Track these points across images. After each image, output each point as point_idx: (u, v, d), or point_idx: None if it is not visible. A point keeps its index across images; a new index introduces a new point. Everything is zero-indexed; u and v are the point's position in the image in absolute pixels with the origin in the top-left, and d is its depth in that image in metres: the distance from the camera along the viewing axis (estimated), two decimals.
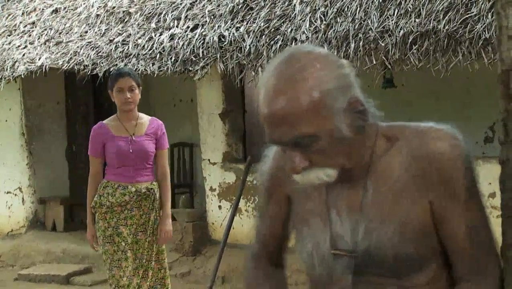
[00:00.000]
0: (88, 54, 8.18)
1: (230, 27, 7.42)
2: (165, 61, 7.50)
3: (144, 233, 5.29)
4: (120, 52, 7.95)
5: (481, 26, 5.85)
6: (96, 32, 8.53)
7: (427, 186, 1.73)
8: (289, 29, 6.98)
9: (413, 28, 6.21)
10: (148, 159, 5.31)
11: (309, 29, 6.84)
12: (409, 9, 6.41)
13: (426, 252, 1.75)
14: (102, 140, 5.30)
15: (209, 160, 8.26)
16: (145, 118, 5.41)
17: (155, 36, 7.88)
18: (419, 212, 1.74)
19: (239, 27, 7.36)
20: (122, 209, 5.24)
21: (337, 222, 1.81)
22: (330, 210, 1.83)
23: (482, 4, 6.02)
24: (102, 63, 7.98)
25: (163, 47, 7.67)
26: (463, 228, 1.73)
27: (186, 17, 7.90)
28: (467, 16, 6.02)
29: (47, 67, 8.34)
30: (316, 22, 6.89)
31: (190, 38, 7.56)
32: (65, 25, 8.96)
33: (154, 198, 5.33)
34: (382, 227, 1.74)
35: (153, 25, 8.10)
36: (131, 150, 5.23)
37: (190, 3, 8.11)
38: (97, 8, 8.90)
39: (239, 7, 7.61)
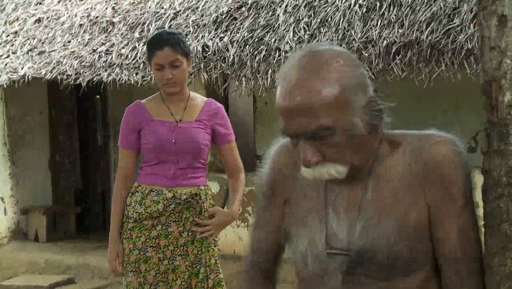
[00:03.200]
0: (71, 64, 8.15)
1: (213, 37, 7.43)
2: (148, 70, 7.48)
3: (185, 257, 3.87)
4: (103, 62, 7.93)
5: (464, 37, 5.90)
6: (79, 42, 8.51)
7: (426, 187, 1.76)
8: (273, 39, 6.99)
9: (396, 38, 6.25)
10: (198, 155, 3.89)
11: (293, 39, 6.85)
12: (392, 20, 6.45)
13: (419, 255, 1.76)
14: (137, 125, 3.90)
15: None
16: (199, 99, 4.01)
17: (138, 45, 7.87)
18: (416, 213, 1.76)
19: (223, 37, 7.36)
20: (154, 223, 3.84)
21: (334, 221, 1.82)
22: (327, 209, 1.84)
23: (464, 15, 6.06)
24: (86, 72, 7.96)
25: None
26: (455, 232, 1.75)
27: (169, 27, 7.90)
28: (449, 26, 6.06)
29: (29, 76, 8.31)
30: (299, 32, 6.91)
31: None
32: (48, 34, 8.92)
33: (201, 208, 3.89)
34: (379, 226, 1.76)
35: (136, 34, 8.08)
36: (173, 140, 3.82)
37: (174, 13, 8.11)
38: (80, 18, 8.88)
39: (223, 17, 7.62)
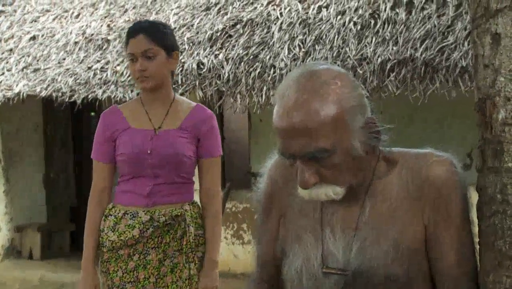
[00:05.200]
0: (66, 81, 8.15)
1: (209, 54, 7.44)
2: None
3: None
4: (98, 79, 7.93)
5: (458, 54, 5.91)
6: (74, 59, 8.52)
7: (423, 208, 1.76)
8: (268, 56, 7.00)
9: (391, 56, 6.26)
10: (179, 168, 3.29)
11: (288, 57, 6.87)
12: (387, 37, 6.47)
13: (416, 276, 1.76)
14: (112, 134, 3.33)
15: None
16: (185, 104, 3.39)
17: None
18: (414, 233, 1.76)
19: (218, 54, 7.37)
20: (131, 252, 3.25)
21: (330, 240, 1.81)
22: (323, 228, 1.83)
23: (458, 32, 6.09)
24: (81, 90, 7.95)
25: None
26: (453, 252, 1.76)
27: None
28: (443, 44, 6.08)
29: (24, 94, 8.30)
30: (294, 49, 6.92)
31: None
32: (43, 52, 8.93)
33: (185, 231, 3.27)
34: (376, 245, 1.75)
35: None
36: (149, 150, 3.23)
37: None
38: (76, 36, 8.89)
39: (218, 34, 7.64)
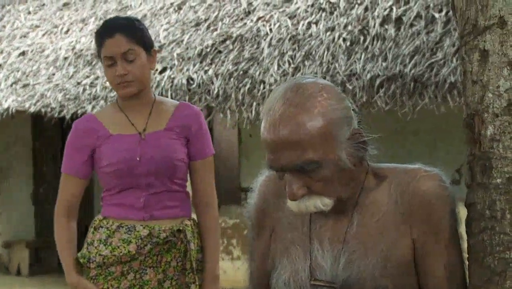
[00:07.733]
0: (56, 97, 8.13)
1: (198, 70, 7.45)
2: None
3: None
4: (88, 95, 7.92)
5: (447, 70, 5.94)
6: (63, 75, 8.51)
7: (412, 223, 1.76)
8: (258, 72, 7.02)
9: (380, 71, 6.28)
10: (173, 174, 2.92)
11: (277, 72, 6.88)
12: (376, 53, 6.49)
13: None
14: (89, 145, 2.93)
15: None
16: (169, 103, 3.05)
17: None
18: (402, 247, 1.76)
19: (208, 70, 7.38)
20: (125, 270, 2.88)
21: (318, 252, 1.80)
22: (312, 240, 1.83)
23: (447, 49, 6.12)
24: (70, 105, 7.94)
25: None
26: (442, 268, 1.75)
27: None
28: (432, 60, 6.10)
29: (13, 109, 8.28)
30: (284, 65, 6.94)
31: (158, 81, 7.57)
32: (32, 67, 8.92)
33: (186, 248, 2.92)
34: (364, 259, 1.75)
35: None
36: (139, 157, 2.86)
37: (159, 46, 8.13)
38: (65, 51, 8.89)
39: (208, 50, 7.65)
